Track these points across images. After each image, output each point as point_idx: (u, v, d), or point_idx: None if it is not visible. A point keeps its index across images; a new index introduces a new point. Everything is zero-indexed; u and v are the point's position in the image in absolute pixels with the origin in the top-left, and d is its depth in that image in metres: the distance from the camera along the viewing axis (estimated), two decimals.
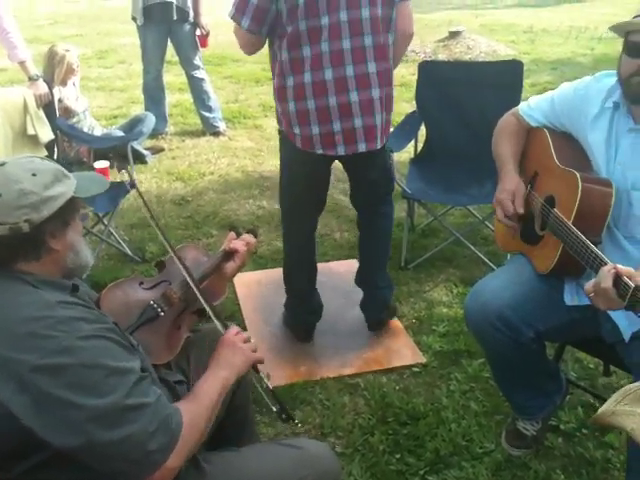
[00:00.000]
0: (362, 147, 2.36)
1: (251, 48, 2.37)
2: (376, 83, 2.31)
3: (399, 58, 2.49)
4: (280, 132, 2.49)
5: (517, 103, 2.20)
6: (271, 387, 1.66)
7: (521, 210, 1.98)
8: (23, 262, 1.25)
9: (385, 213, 2.78)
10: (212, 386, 1.40)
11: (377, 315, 2.83)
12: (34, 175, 1.24)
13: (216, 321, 1.60)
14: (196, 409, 1.32)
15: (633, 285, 1.40)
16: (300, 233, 2.67)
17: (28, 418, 1.13)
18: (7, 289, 1.23)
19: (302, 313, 2.79)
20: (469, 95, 3.47)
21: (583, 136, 1.90)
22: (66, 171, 1.32)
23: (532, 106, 2.07)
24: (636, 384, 1.01)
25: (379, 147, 2.42)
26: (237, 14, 2.25)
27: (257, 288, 3.18)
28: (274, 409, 1.64)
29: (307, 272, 2.74)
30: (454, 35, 8.61)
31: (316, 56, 2.23)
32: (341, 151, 2.35)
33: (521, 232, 2.06)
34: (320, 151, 2.35)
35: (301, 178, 2.51)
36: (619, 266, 1.47)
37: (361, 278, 2.87)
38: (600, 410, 0.92)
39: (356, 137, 2.34)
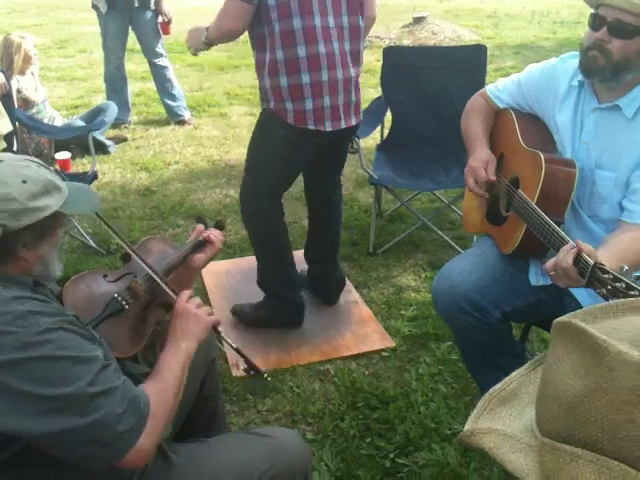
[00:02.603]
0: (343, 124, 2.42)
1: (242, 22, 2.25)
2: (354, 62, 2.40)
3: (366, 37, 2.56)
4: (265, 111, 2.45)
5: (481, 87, 2.21)
6: (234, 345, 1.64)
7: (493, 177, 1.98)
8: None
9: (337, 202, 2.84)
10: (174, 360, 1.38)
11: (339, 289, 2.93)
12: (24, 182, 1.21)
13: (174, 297, 1.58)
14: (162, 386, 1.31)
15: (592, 262, 1.42)
16: (278, 216, 2.64)
17: None
18: None
19: (293, 296, 2.76)
20: (434, 80, 3.49)
21: (550, 116, 1.91)
22: (60, 183, 1.29)
23: (499, 87, 2.09)
24: (498, 385, 1.02)
25: (355, 124, 2.51)
26: None
27: (225, 277, 3.17)
28: (241, 367, 1.62)
29: (289, 254, 2.73)
30: (418, 21, 8.64)
31: (309, 29, 2.25)
32: (328, 127, 2.39)
33: (486, 213, 2.07)
34: (312, 126, 2.36)
35: (285, 159, 2.48)
36: (580, 242, 1.49)
37: (316, 256, 2.91)
38: (462, 432, 0.93)
39: (340, 113, 2.40)
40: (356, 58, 2.42)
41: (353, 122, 2.49)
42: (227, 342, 1.64)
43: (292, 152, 2.46)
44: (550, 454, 0.81)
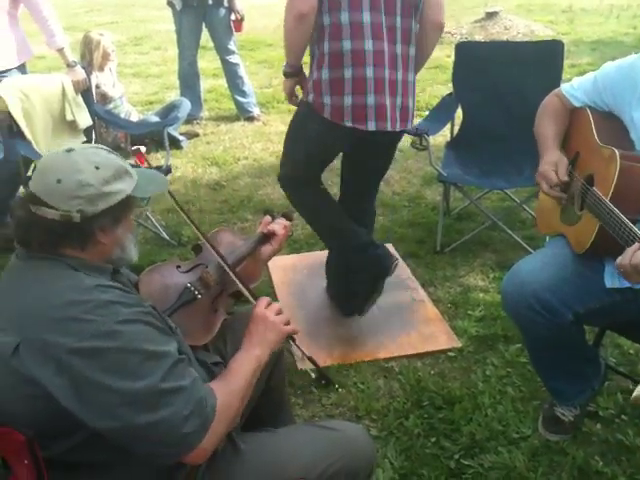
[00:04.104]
0: (388, 125, 2.34)
1: (309, 4, 2.21)
2: (404, 66, 2.32)
3: (430, 48, 2.45)
4: (302, 104, 2.45)
5: (557, 85, 2.17)
6: (308, 354, 1.64)
7: (565, 178, 1.94)
8: (68, 248, 1.27)
9: (370, 210, 2.80)
10: (246, 365, 1.39)
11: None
12: (97, 168, 1.25)
13: (250, 298, 1.61)
14: (230, 389, 1.32)
15: None
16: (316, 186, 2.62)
17: (66, 399, 1.15)
18: (49, 272, 1.24)
19: (364, 260, 2.57)
20: (507, 76, 3.41)
21: (627, 113, 1.86)
22: (129, 167, 1.33)
23: (575, 86, 2.04)
24: None
25: (400, 129, 2.41)
26: None
27: (292, 272, 3.19)
28: (313, 375, 1.63)
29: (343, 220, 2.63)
30: (491, 16, 8.47)
31: (356, 24, 2.22)
32: (371, 126, 2.31)
33: (561, 213, 2.03)
34: (349, 124, 2.31)
35: (320, 153, 2.50)
36: None
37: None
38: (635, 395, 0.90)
39: (387, 114, 2.32)
40: (406, 62, 2.33)
41: (398, 127, 2.39)
42: (301, 351, 1.65)
43: (324, 147, 2.46)
44: None
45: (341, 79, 2.26)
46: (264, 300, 1.55)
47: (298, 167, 2.56)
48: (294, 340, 1.59)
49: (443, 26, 2.41)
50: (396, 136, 2.49)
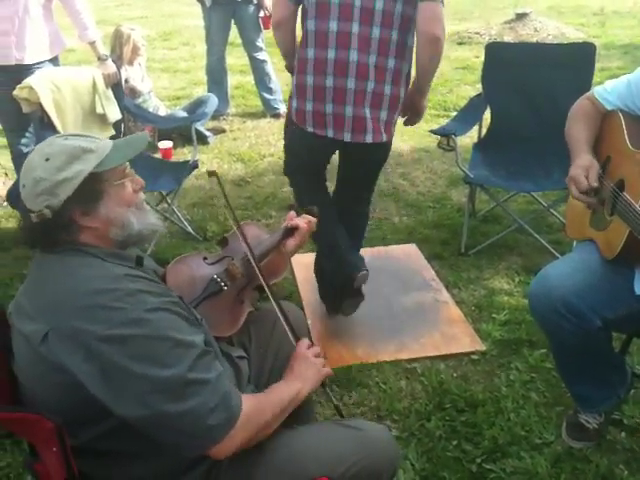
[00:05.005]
0: (347, 137, 2.32)
1: (286, 21, 2.36)
2: (373, 76, 2.26)
3: (427, 61, 2.31)
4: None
5: (588, 88, 2.15)
6: (336, 402, 1.71)
7: (595, 183, 1.89)
8: (72, 240, 1.28)
9: (361, 213, 2.78)
10: (285, 391, 1.41)
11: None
12: (47, 160, 1.26)
13: (273, 301, 1.61)
14: (263, 400, 1.34)
15: None
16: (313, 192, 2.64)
17: (94, 386, 1.16)
18: (75, 262, 1.26)
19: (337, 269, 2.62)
20: (538, 79, 3.37)
21: None
22: (92, 144, 1.29)
23: (607, 89, 2.01)
24: None
25: (367, 141, 2.34)
26: None
27: None
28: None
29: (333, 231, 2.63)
30: (521, 17, 8.39)
31: (321, 32, 2.25)
32: (330, 133, 2.34)
33: (590, 218, 2.00)
34: (310, 129, 2.36)
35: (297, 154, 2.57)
36: None
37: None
38: None
39: (345, 125, 2.31)
40: (382, 73, 2.26)
41: (368, 139, 2.32)
42: (330, 396, 1.70)
43: (301, 149, 2.50)
44: None
45: (304, 85, 2.32)
46: (305, 342, 1.58)
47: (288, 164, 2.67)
48: (325, 386, 1.63)
49: (438, 38, 2.22)
50: (369, 147, 2.37)
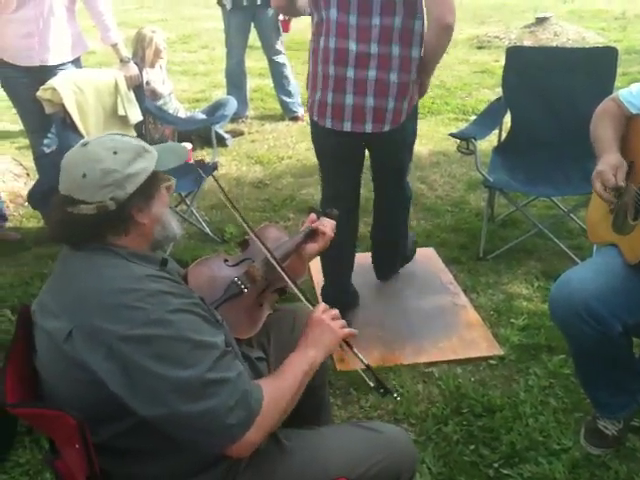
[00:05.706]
0: (347, 126, 2.33)
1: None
2: (375, 64, 2.25)
3: (438, 48, 2.29)
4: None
5: (609, 93, 2.13)
6: (366, 362, 1.61)
7: (622, 183, 1.87)
8: (113, 237, 1.30)
9: (399, 199, 2.79)
10: (298, 365, 1.39)
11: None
12: (115, 153, 1.28)
13: (301, 297, 1.60)
14: (280, 386, 1.33)
15: None
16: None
17: (115, 385, 1.17)
18: (100, 261, 1.27)
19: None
20: (558, 83, 3.35)
21: None
22: (147, 145, 1.35)
23: (633, 92, 1.99)
24: None
25: (367, 131, 2.33)
26: None
27: None
28: (371, 384, 1.59)
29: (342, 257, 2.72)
30: (541, 21, 8.33)
31: (326, 22, 2.27)
32: (329, 124, 2.36)
33: (613, 223, 1.98)
34: (315, 118, 2.40)
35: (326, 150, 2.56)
36: None
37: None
38: None
39: (344, 114, 2.32)
40: (386, 62, 2.24)
41: (367, 129, 2.31)
42: (359, 358, 1.60)
43: (319, 139, 2.52)
44: None
45: (315, 74, 2.37)
46: (322, 306, 1.54)
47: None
48: (351, 347, 1.56)
49: (449, 26, 2.20)
50: (375, 135, 2.35)
